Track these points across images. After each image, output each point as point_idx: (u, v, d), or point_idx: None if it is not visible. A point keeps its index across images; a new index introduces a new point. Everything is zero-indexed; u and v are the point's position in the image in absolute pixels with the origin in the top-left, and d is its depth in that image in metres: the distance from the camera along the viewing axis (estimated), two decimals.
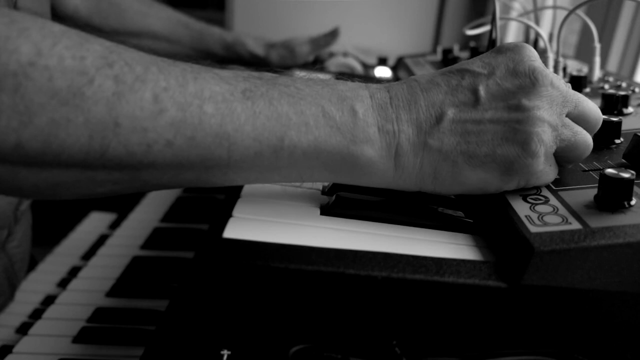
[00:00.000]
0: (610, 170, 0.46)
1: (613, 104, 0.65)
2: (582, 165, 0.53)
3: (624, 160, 0.54)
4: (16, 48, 0.39)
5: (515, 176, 0.48)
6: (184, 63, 0.45)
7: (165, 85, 0.42)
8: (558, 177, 0.52)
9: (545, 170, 0.49)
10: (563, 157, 0.50)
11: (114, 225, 1.01)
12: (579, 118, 0.50)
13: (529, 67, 0.48)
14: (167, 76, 0.43)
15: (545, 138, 0.47)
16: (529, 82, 0.47)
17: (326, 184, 0.56)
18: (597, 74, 0.81)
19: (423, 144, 0.47)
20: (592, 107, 0.51)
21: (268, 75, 0.47)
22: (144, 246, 0.90)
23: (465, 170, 0.48)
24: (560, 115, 0.48)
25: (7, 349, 0.70)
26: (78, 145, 0.41)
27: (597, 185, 0.47)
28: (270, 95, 0.45)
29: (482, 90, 0.48)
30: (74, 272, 0.88)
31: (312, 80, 0.48)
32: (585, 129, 0.50)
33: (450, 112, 0.47)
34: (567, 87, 0.49)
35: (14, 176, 0.42)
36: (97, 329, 0.71)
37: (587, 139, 0.50)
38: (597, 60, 0.81)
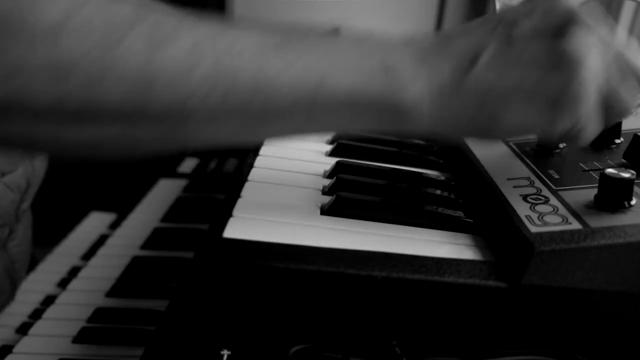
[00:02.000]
0: (610, 170, 0.46)
1: None
2: (582, 165, 0.53)
3: (624, 160, 0.54)
4: (48, 8, 0.40)
5: (561, 113, 0.45)
6: (213, 19, 0.45)
7: (196, 40, 0.42)
8: (558, 176, 0.52)
9: (592, 116, 0.46)
10: (608, 108, 0.47)
11: (114, 225, 1.01)
12: (622, 68, 0.47)
13: (568, 7, 0.47)
14: (198, 31, 0.43)
15: (591, 75, 0.45)
16: (570, 20, 0.46)
17: (326, 183, 0.56)
18: None
19: (460, 84, 0.46)
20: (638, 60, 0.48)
21: (298, 29, 0.47)
22: (144, 246, 0.89)
23: (508, 108, 0.45)
24: (605, 57, 0.46)
25: (7, 349, 0.69)
26: (117, 99, 0.41)
27: (597, 185, 0.47)
28: (303, 46, 0.45)
29: (520, 29, 0.46)
30: (74, 272, 0.88)
31: (341, 35, 0.48)
32: None
33: (488, 51, 0.46)
34: (611, 32, 0.47)
35: (58, 135, 0.42)
36: (97, 329, 0.71)
37: (634, 88, 0.47)
38: None
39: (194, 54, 0.42)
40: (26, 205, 0.82)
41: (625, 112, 0.49)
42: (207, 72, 0.42)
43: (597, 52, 0.45)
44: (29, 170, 0.80)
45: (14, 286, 0.82)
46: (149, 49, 0.41)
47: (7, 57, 0.39)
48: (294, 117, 0.45)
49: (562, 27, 0.46)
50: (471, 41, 0.47)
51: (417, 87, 0.45)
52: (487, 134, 0.47)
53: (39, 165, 0.83)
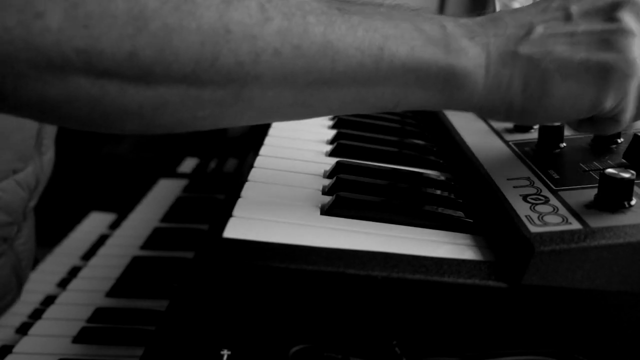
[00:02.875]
0: (610, 170, 0.46)
1: None
2: (582, 165, 0.53)
3: (624, 160, 0.54)
4: None
5: (610, 90, 0.47)
6: None
7: None
8: (558, 176, 0.52)
9: (636, 96, 0.48)
10: None
11: (114, 225, 1.01)
12: None
13: None
14: None
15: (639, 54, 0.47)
16: (623, 2, 0.48)
17: (326, 183, 0.56)
18: None
19: (512, 53, 0.47)
20: None
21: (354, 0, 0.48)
22: (144, 246, 0.89)
23: (557, 81, 0.47)
24: None
25: (7, 349, 0.69)
26: (190, 53, 0.40)
27: (597, 185, 0.47)
28: (363, 12, 0.46)
29: (573, 8, 0.48)
30: (74, 272, 0.88)
31: (395, 7, 0.49)
32: None
33: (540, 27, 0.48)
34: None
35: (122, 94, 0.41)
36: (97, 329, 0.71)
37: None
38: None
39: (266, 9, 0.42)
40: (33, 203, 0.83)
41: None
42: (278, 27, 0.42)
43: None
44: (38, 168, 0.80)
45: (20, 284, 0.82)
46: (225, 2, 0.41)
47: (87, 4, 0.38)
48: (359, 81, 0.45)
49: (615, 6, 0.48)
50: (524, 17, 0.48)
51: (474, 52, 0.47)
52: (535, 108, 0.48)
53: (47, 163, 0.83)
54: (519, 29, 0.48)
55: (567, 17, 0.48)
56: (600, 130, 0.52)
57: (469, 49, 0.47)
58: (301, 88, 0.44)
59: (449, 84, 0.47)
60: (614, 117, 0.49)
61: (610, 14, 0.47)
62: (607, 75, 0.46)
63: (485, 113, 0.50)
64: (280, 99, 0.45)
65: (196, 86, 0.42)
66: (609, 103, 0.48)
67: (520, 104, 0.48)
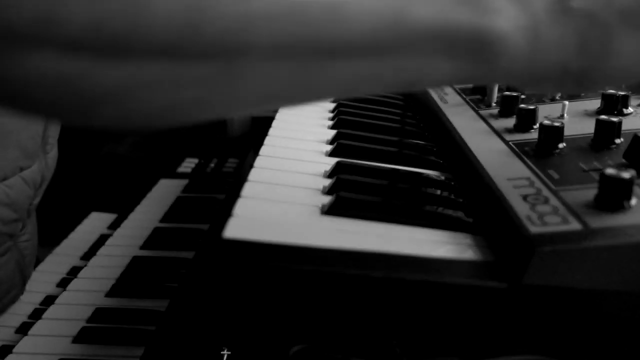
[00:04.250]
0: (610, 170, 0.46)
1: (613, 103, 0.65)
2: (582, 165, 0.53)
3: (624, 160, 0.54)
4: None
5: None
6: None
7: None
8: (558, 176, 0.52)
9: None
10: None
11: (114, 225, 1.01)
12: None
13: None
14: None
15: None
16: None
17: (326, 183, 0.56)
18: None
19: (564, 8, 0.41)
20: None
21: None
22: (144, 246, 0.90)
23: (622, 35, 0.41)
24: None
25: (7, 349, 0.69)
26: (170, 21, 0.34)
27: (597, 185, 0.47)
28: None
29: None
30: (74, 272, 0.88)
31: None
32: None
33: None
34: None
35: (92, 71, 0.35)
36: (97, 329, 0.71)
37: None
38: None
39: None
40: (37, 200, 0.83)
41: None
42: None
43: None
44: (43, 166, 0.81)
45: (24, 280, 0.83)
46: None
47: None
48: (374, 51, 0.39)
49: None
50: None
51: (513, 12, 0.40)
52: (597, 70, 0.42)
53: (51, 161, 0.84)
54: None
55: None
56: None
57: (507, 7, 0.40)
58: (303, 60, 0.38)
59: (485, 50, 0.40)
60: None
61: None
62: None
63: (532, 82, 0.43)
64: (279, 74, 0.38)
65: (178, 60, 0.36)
66: None
67: (578, 68, 0.41)
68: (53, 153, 0.84)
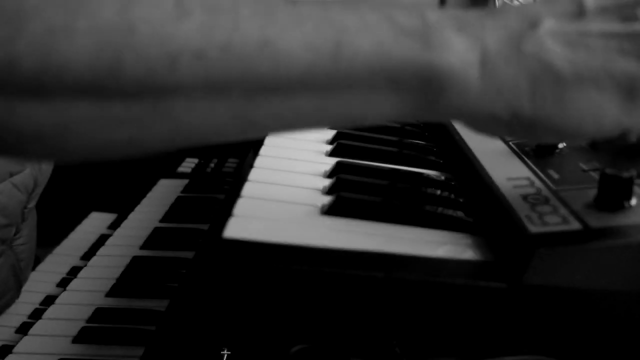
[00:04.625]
0: (610, 170, 0.46)
1: None
2: (582, 165, 0.53)
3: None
4: None
5: (638, 104, 0.39)
6: None
7: None
8: (558, 176, 0.52)
9: None
10: None
11: (114, 225, 1.01)
12: None
13: None
14: None
15: None
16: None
17: (327, 183, 0.56)
18: None
19: (516, 49, 0.38)
20: None
21: None
22: (144, 246, 0.90)
23: (573, 89, 0.38)
24: None
25: (7, 349, 0.70)
26: (84, 60, 0.33)
27: (597, 185, 0.47)
28: (316, 5, 0.37)
29: (588, 1, 0.40)
30: (74, 272, 0.88)
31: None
32: None
33: (548, 21, 0.39)
34: None
35: (11, 112, 0.33)
36: (97, 329, 0.71)
37: None
38: None
39: (184, 1, 0.35)
40: (32, 204, 0.83)
41: None
42: (199, 23, 0.34)
43: None
44: (36, 170, 0.80)
45: (19, 284, 0.83)
46: None
47: None
48: (313, 87, 0.37)
49: (631, 8, 0.40)
50: (529, 9, 0.40)
51: (461, 47, 0.38)
52: (549, 118, 0.39)
53: (45, 165, 0.83)
54: (522, 23, 0.39)
55: (580, 13, 0.40)
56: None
57: (455, 42, 0.38)
58: (239, 98, 0.36)
59: (431, 85, 0.38)
60: None
61: (630, 11, 0.40)
62: (634, 87, 0.39)
63: (483, 123, 0.41)
64: (215, 113, 0.36)
65: (102, 100, 0.34)
66: (638, 116, 0.40)
67: (529, 113, 0.39)
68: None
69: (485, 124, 0.41)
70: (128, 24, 0.33)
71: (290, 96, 0.37)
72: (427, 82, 0.38)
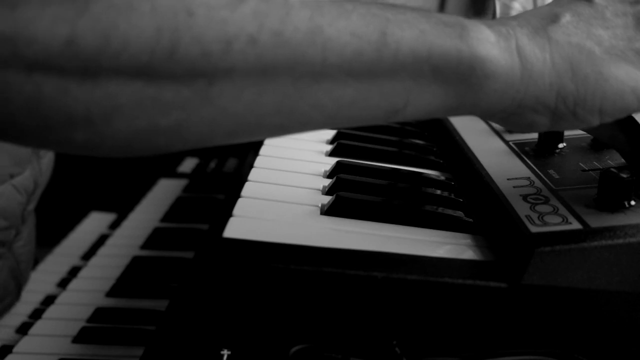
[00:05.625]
0: (610, 170, 0.46)
1: None
2: (582, 165, 0.53)
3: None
4: None
5: None
6: None
7: None
8: (558, 176, 0.52)
9: None
10: None
11: (114, 225, 1.01)
12: None
13: None
14: None
15: None
16: None
17: (326, 183, 0.56)
18: None
19: (547, 37, 0.41)
20: None
21: None
22: (144, 246, 0.89)
23: (609, 64, 0.41)
24: None
25: (7, 349, 0.69)
26: (143, 40, 0.33)
27: (597, 185, 0.47)
28: (356, 2, 0.39)
29: None
30: (74, 272, 0.88)
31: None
32: None
33: (567, 14, 0.42)
34: None
35: (63, 93, 0.33)
36: (97, 329, 0.71)
37: None
38: None
39: None
40: (32, 206, 0.83)
41: None
42: (254, 9, 0.36)
43: None
44: (36, 172, 0.80)
45: (19, 287, 0.83)
46: None
47: None
48: (358, 75, 0.38)
49: None
50: (544, 9, 0.43)
51: (496, 38, 0.40)
52: (594, 94, 0.41)
53: (45, 167, 0.83)
54: (543, 20, 0.42)
55: (591, 4, 0.43)
56: None
57: (491, 36, 0.40)
58: (286, 85, 0.37)
59: (474, 74, 0.39)
60: None
61: None
62: None
63: (529, 112, 0.42)
64: (261, 101, 0.37)
65: (154, 83, 0.35)
66: None
67: (574, 91, 0.41)
68: (48, 158, 0.83)
69: (531, 113, 0.42)
70: (187, 7, 0.34)
71: (335, 84, 0.38)
72: (470, 71, 0.39)
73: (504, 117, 0.43)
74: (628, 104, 0.42)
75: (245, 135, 0.40)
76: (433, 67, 0.39)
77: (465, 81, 0.40)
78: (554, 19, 0.42)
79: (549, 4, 0.45)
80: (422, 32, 0.39)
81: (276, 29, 0.36)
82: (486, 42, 0.40)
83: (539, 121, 0.43)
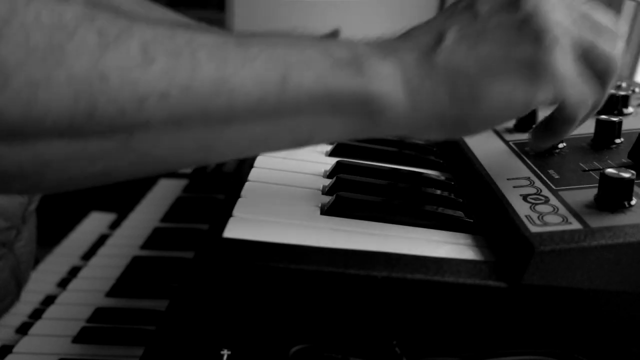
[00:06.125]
0: (610, 170, 0.46)
1: (613, 103, 0.65)
2: (582, 165, 0.53)
3: (624, 160, 0.54)
4: None
5: (540, 82, 0.44)
6: (169, 21, 0.43)
7: (152, 36, 0.39)
8: (558, 176, 0.52)
9: (573, 79, 0.45)
10: (592, 66, 0.47)
11: (114, 225, 1.01)
12: (593, 25, 0.47)
13: None
14: (154, 29, 0.40)
15: (558, 32, 0.44)
16: None
17: (326, 183, 0.56)
18: None
19: (429, 64, 0.44)
20: (606, 17, 0.48)
21: (260, 31, 0.45)
22: (144, 246, 0.89)
23: (484, 83, 0.44)
24: (570, 15, 0.46)
25: (7, 349, 0.69)
26: (62, 107, 0.37)
27: (597, 185, 0.47)
28: (266, 42, 0.43)
29: (479, 5, 0.46)
30: (74, 272, 0.88)
31: (304, 34, 0.46)
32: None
33: (451, 31, 0.45)
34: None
35: None
36: (97, 329, 0.71)
37: (611, 39, 0.47)
38: None
39: (149, 49, 0.39)
40: (33, 207, 0.83)
41: (611, 64, 0.47)
42: (163, 68, 0.39)
43: (559, 11, 0.45)
44: None
45: (19, 287, 0.83)
46: (100, 47, 0.38)
47: None
48: (263, 118, 0.42)
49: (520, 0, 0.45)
50: (432, 26, 0.46)
51: (387, 71, 0.43)
52: (468, 115, 0.45)
53: None
54: (429, 39, 0.45)
55: (475, 16, 0.46)
56: (559, 129, 0.49)
57: (381, 68, 0.43)
58: (200, 130, 0.41)
59: (367, 108, 0.43)
60: (560, 107, 0.47)
61: (516, 3, 0.45)
62: (531, 69, 0.44)
63: (418, 133, 0.46)
64: (180, 144, 0.41)
65: (78, 139, 0.38)
66: (544, 97, 0.45)
67: (451, 114, 0.44)
68: None
69: (421, 132, 0.46)
70: (101, 72, 0.37)
71: (245, 125, 0.42)
72: (365, 106, 0.43)
73: (407, 134, 0.47)
74: (503, 116, 0.46)
75: (172, 168, 0.45)
76: (332, 106, 0.43)
77: (361, 115, 0.44)
78: (439, 38, 0.45)
79: (440, 16, 0.47)
80: (320, 75, 0.42)
81: (184, 84, 0.39)
82: (380, 79, 0.43)
83: (437, 137, 0.47)
